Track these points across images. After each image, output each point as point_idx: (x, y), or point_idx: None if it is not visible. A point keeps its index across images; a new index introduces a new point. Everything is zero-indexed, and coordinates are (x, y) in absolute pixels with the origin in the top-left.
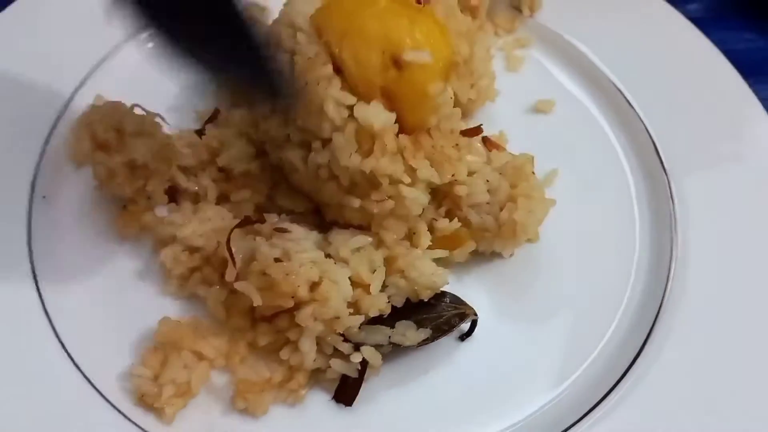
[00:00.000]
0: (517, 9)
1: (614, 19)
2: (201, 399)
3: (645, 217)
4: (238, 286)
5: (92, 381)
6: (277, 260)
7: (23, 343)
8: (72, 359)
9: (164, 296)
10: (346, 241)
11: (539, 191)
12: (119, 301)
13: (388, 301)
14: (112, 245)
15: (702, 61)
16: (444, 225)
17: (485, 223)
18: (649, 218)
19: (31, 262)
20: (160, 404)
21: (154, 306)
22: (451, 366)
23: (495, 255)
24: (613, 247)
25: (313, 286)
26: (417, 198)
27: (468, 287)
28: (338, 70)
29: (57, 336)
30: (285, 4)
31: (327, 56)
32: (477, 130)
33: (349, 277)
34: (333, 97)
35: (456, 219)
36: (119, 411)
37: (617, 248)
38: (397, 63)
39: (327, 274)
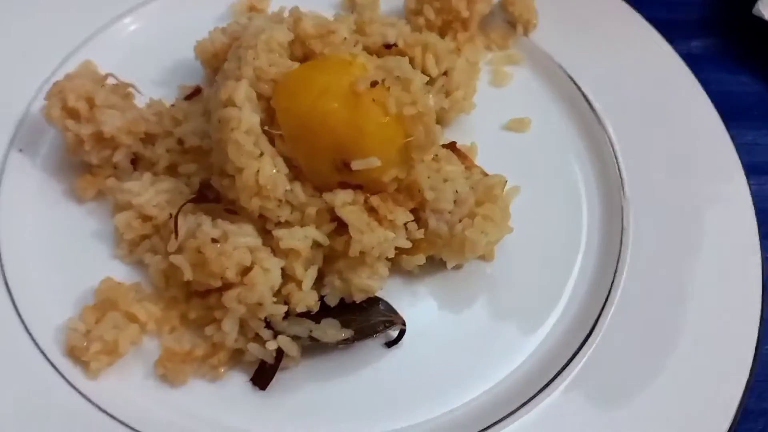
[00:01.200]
0: (513, 26)
1: (606, 49)
2: (128, 361)
3: (593, 243)
4: (173, 258)
5: (28, 327)
6: (213, 240)
7: None
8: (14, 303)
9: (113, 259)
10: (289, 235)
11: (502, 216)
12: (71, 257)
13: (320, 299)
14: (74, 204)
15: (685, 100)
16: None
17: (439, 230)
18: (596, 247)
19: None
20: (86, 358)
21: (102, 267)
22: (372, 369)
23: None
24: (558, 268)
25: (245, 270)
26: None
27: (414, 294)
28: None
29: (5, 278)
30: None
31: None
32: (451, 146)
33: (283, 269)
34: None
35: (422, 230)
36: (47, 359)
37: (561, 270)
38: (348, 167)
39: (260, 261)
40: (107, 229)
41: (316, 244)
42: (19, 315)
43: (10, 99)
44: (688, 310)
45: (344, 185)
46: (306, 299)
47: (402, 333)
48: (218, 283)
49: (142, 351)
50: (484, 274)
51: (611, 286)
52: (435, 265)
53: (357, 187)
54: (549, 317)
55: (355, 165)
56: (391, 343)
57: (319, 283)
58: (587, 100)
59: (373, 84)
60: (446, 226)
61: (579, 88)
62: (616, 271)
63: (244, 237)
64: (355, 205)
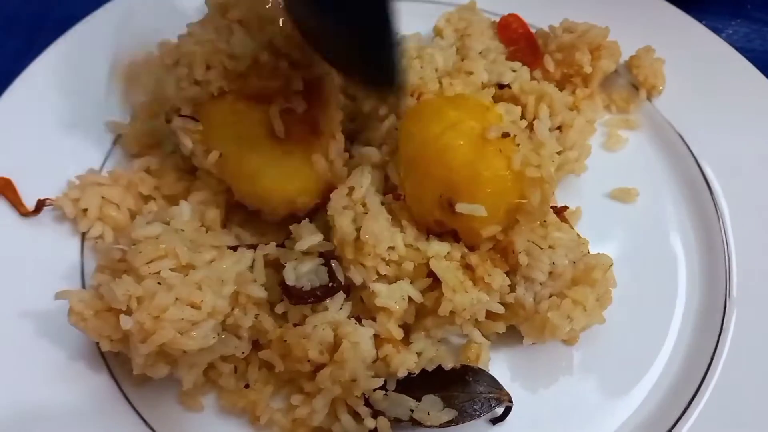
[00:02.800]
0: (636, 88)
1: (736, 126)
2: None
3: (684, 336)
4: (262, 355)
5: None
6: (295, 325)
7: None
8: None
9: None
10: (387, 293)
11: (595, 304)
12: None
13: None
14: None
15: None
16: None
17: (524, 301)
18: (688, 342)
19: None
20: None
21: None
22: None
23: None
24: (641, 362)
25: (332, 348)
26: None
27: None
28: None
29: None
30: None
31: None
32: (560, 210)
33: (376, 334)
34: None
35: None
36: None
37: (643, 364)
38: (451, 207)
39: (347, 336)
40: None
41: (410, 300)
42: None
43: None
44: None
45: (440, 225)
46: (406, 362)
47: (508, 410)
48: (307, 368)
49: None
50: (561, 350)
51: (698, 389)
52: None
53: (451, 232)
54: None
55: (460, 207)
56: (495, 420)
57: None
58: (706, 179)
59: (505, 135)
60: (533, 298)
61: (698, 165)
62: (704, 377)
63: (325, 311)
64: (452, 261)
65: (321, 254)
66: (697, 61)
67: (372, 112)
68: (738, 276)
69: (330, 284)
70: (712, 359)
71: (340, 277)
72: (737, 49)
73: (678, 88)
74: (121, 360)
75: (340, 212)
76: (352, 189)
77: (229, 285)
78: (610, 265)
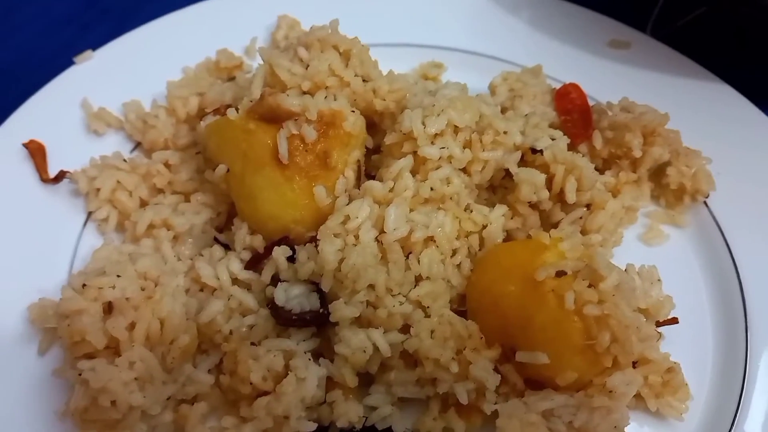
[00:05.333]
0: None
1: None
2: None
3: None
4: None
5: None
6: (252, 344)
7: None
8: None
9: None
10: (347, 337)
11: None
12: None
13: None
14: None
15: None
16: None
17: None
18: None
19: None
20: None
21: None
22: None
23: None
24: None
25: (280, 377)
26: None
27: None
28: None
29: None
30: None
31: None
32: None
33: (330, 377)
34: None
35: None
36: None
37: None
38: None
39: (296, 369)
40: None
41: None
42: None
43: None
44: None
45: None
46: (350, 412)
47: None
48: (247, 390)
49: None
50: None
51: None
52: None
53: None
54: None
55: (519, 356)
56: None
57: (363, 390)
58: (743, 299)
59: (559, 274)
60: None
61: (739, 280)
62: None
63: (282, 340)
64: None
65: (313, 282)
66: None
67: (391, 148)
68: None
69: (321, 311)
70: None
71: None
72: None
73: (735, 192)
74: None
75: (329, 239)
76: (347, 218)
77: None
78: None
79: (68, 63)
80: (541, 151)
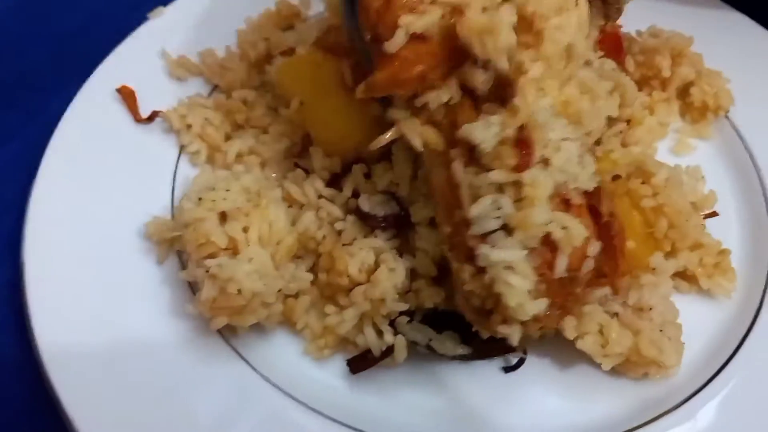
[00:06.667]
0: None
1: None
2: None
3: None
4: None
5: None
6: (345, 244)
7: None
8: None
9: None
10: (430, 235)
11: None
12: None
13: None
14: None
15: None
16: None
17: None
18: None
19: None
20: None
21: None
22: (475, 389)
23: None
24: None
25: (372, 270)
26: None
27: None
28: None
29: None
30: None
31: None
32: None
33: (414, 269)
34: None
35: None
36: None
37: None
38: None
39: (386, 261)
40: None
41: None
42: None
43: None
44: None
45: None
46: (434, 297)
47: (522, 361)
48: (345, 282)
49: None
50: None
51: None
52: None
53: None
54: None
55: None
56: (508, 369)
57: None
58: (765, 195)
59: (615, 178)
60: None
61: (760, 180)
62: None
63: (372, 239)
64: None
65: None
66: None
67: None
68: None
69: (401, 212)
70: None
71: None
72: None
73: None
74: None
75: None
76: None
77: None
78: None
79: (137, 23)
80: None
